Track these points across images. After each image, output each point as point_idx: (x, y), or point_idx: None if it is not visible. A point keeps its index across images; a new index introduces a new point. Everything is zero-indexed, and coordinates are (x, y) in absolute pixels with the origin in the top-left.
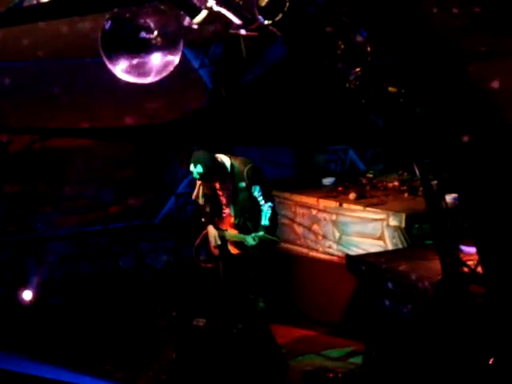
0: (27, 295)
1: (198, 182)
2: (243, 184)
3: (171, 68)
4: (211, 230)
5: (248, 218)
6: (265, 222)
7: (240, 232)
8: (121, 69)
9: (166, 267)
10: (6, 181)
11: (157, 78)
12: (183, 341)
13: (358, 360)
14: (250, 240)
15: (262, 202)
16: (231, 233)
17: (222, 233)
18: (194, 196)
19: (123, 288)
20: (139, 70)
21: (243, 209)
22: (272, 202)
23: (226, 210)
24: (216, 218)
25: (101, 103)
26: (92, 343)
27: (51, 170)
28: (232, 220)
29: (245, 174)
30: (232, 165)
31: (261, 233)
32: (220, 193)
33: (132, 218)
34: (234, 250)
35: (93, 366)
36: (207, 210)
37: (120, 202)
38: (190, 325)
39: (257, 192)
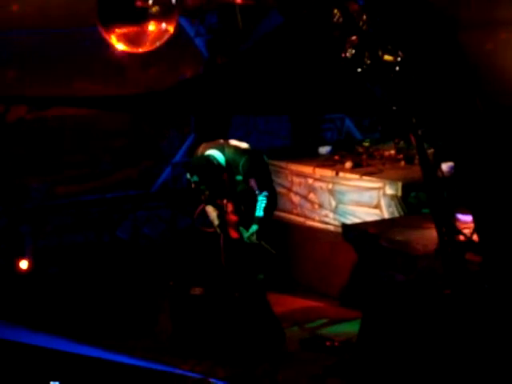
0: (24, 264)
1: None
2: (240, 177)
3: (167, 37)
4: (210, 210)
5: (248, 207)
6: (259, 212)
7: (241, 219)
8: (116, 38)
9: (162, 236)
10: (3, 150)
11: (152, 47)
12: (180, 310)
13: (354, 328)
14: (245, 239)
15: (257, 192)
16: (232, 219)
17: (222, 213)
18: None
19: (120, 257)
20: (135, 39)
21: (242, 199)
22: (268, 191)
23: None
24: (219, 200)
25: (97, 72)
26: (89, 313)
27: (48, 140)
28: (232, 208)
29: (240, 167)
30: (227, 159)
31: (254, 227)
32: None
33: (129, 187)
34: (233, 234)
35: (90, 335)
36: (206, 193)
37: (117, 171)
38: (187, 293)
39: (252, 183)
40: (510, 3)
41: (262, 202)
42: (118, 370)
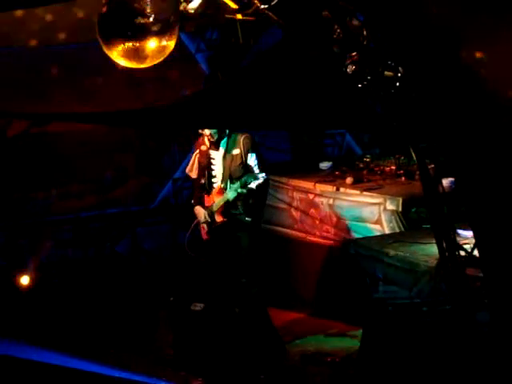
0: (24, 280)
1: (194, 154)
2: (237, 151)
3: (167, 53)
4: (200, 210)
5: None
6: (252, 184)
7: (228, 220)
8: (117, 53)
9: (162, 252)
10: (4, 165)
11: (153, 63)
12: (181, 325)
13: (355, 344)
14: (230, 194)
15: (257, 171)
16: (219, 220)
17: (210, 209)
18: (187, 169)
19: (120, 273)
20: (135, 54)
21: (232, 175)
22: (266, 175)
23: (217, 179)
24: (206, 194)
25: (99, 88)
26: (90, 328)
27: (49, 155)
28: (221, 186)
29: (241, 141)
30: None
31: (242, 181)
32: (213, 160)
33: (129, 202)
34: (219, 218)
35: (91, 350)
36: (202, 181)
37: (117, 186)
38: (188, 309)
39: (253, 160)
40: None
41: (260, 179)
42: None
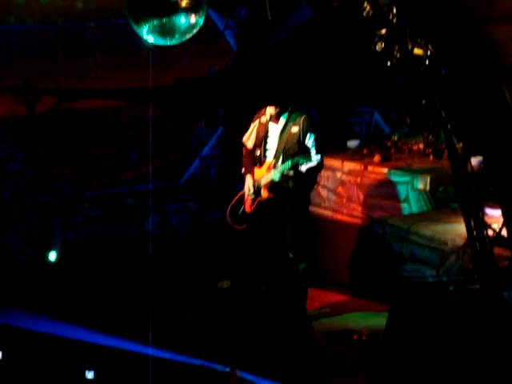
0: (52, 256)
1: (254, 124)
2: (296, 129)
3: (196, 30)
4: (248, 180)
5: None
6: (302, 168)
7: (275, 196)
8: (146, 30)
9: (190, 229)
10: (33, 141)
11: (182, 40)
12: (208, 302)
13: (381, 322)
14: (275, 175)
15: (313, 153)
16: (265, 196)
17: (258, 183)
18: (244, 138)
19: (148, 250)
20: (164, 31)
21: (286, 152)
22: (322, 158)
23: (270, 152)
24: (258, 165)
25: (126, 64)
26: (117, 304)
27: (77, 131)
28: (273, 162)
29: (301, 120)
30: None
31: (287, 164)
32: (270, 133)
33: (157, 180)
34: (266, 194)
35: (119, 327)
36: (257, 153)
37: (145, 163)
38: (215, 286)
39: (311, 141)
40: None
41: (313, 162)
42: (147, 363)
